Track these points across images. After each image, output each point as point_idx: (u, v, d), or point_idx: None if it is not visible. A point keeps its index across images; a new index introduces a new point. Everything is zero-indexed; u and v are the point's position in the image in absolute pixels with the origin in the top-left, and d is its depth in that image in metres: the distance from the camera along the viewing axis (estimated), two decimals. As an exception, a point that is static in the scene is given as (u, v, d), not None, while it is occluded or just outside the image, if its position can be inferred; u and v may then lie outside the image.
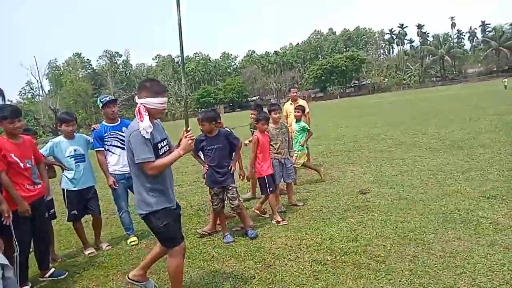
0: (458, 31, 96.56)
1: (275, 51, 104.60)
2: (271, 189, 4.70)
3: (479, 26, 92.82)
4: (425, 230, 3.77)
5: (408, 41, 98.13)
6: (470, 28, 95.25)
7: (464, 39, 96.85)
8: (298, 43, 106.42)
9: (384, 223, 4.11)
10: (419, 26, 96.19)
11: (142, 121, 2.60)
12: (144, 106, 2.65)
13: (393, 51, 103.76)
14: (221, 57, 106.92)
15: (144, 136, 2.60)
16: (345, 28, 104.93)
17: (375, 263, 3.24)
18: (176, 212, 2.91)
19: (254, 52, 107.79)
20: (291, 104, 7.31)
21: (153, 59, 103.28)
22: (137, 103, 2.68)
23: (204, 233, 4.48)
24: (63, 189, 4.29)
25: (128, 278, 3.11)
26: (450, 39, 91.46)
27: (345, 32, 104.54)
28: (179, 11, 2.77)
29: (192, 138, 2.77)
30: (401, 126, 13.36)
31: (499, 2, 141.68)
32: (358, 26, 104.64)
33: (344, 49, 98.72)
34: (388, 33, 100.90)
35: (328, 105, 46.03)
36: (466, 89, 41.04)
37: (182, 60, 3.07)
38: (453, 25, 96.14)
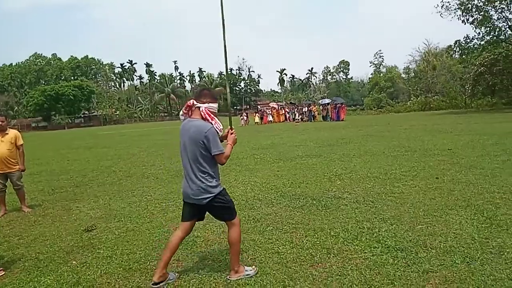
0: (180, 73, 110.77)
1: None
2: None
3: (197, 72, 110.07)
4: (149, 258, 3.94)
5: (138, 77, 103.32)
6: (190, 72, 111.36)
7: (185, 81, 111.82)
8: (12, 64, 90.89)
9: (110, 259, 4.00)
10: (147, 65, 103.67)
11: (213, 120, 3.16)
12: (208, 110, 3.17)
13: (124, 85, 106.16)
14: None
15: (218, 133, 3.16)
16: (72, 55, 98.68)
17: (98, 304, 3.08)
18: None
19: None
20: (-3, 134, 6.12)
21: None
22: (198, 107, 3.18)
23: None
24: None
25: (154, 284, 3.19)
26: (174, 79, 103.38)
27: (73, 60, 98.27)
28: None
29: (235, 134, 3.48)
30: (131, 158, 13.68)
31: (211, 57, 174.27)
32: (87, 55, 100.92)
33: (72, 77, 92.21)
34: (119, 67, 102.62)
35: (53, 135, 41.11)
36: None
37: (226, 70, 4.14)
38: (176, 68, 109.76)
